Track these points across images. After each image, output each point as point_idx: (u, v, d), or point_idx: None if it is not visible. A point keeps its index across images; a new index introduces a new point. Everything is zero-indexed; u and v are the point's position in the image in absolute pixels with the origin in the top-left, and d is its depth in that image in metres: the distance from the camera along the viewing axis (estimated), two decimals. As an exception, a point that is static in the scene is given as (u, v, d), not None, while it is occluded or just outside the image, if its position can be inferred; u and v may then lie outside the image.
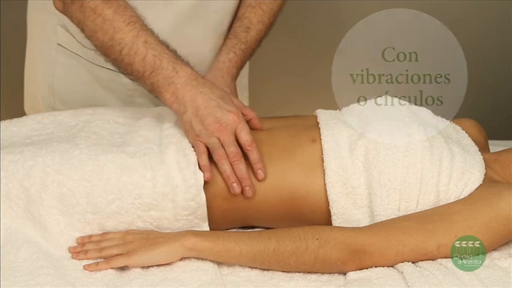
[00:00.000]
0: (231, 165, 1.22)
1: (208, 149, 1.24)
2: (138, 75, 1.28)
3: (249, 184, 1.22)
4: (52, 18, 1.53)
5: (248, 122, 1.30)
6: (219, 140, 1.23)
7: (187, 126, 1.25)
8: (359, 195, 1.21)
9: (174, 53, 1.29)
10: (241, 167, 1.22)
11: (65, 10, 1.33)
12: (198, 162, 1.23)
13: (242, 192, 1.22)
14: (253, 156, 1.23)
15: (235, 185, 1.22)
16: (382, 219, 1.19)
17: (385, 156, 1.21)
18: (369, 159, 1.21)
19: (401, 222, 1.16)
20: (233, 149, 1.23)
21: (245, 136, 1.24)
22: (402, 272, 1.10)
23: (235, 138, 1.24)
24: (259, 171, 1.23)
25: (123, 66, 1.29)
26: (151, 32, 1.29)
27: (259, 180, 1.23)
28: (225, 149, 1.23)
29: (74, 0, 1.29)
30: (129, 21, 1.28)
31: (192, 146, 1.25)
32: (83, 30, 1.31)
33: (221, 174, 1.23)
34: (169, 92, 1.26)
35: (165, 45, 1.29)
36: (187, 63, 1.29)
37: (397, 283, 1.08)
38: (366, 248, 1.12)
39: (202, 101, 1.24)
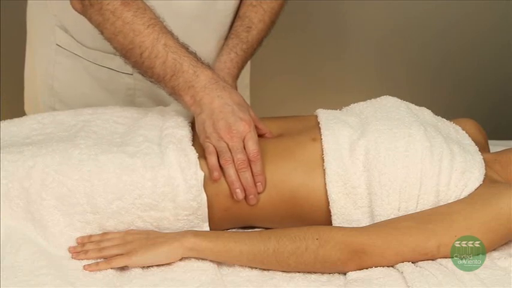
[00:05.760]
0: (237, 171, 1.23)
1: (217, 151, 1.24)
2: (158, 79, 1.29)
3: (254, 193, 1.23)
4: (51, 19, 1.53)
5: (261, 136, 1.31)
6: (228, 145, 1.23)
7: (201, 127, 1.26)
8: (359, 195, 1.21)
9: (194, 55, 1.30)
10: (247, 175, 1.22)
11: (83, 12, 1.33)
12: (207, 162, 1.23)
13: (245, 198, 1.23)
14: (256, 168, 1.23)
15: (238, 191, 1.22)
16: (382, 219, 1.19)
17: (385, 156, 1.21)
18: (369, 159, 1.21)
19: (402, 222, 1.16)
20: (240, 156, 1.23)
21: (252, 146, 1.24)
22: (402, 272, 1.10)
23: (243, 146, 1.24)
24: (259, 184, 1.23)
25: (143, 70, 1.30)
26: (171, 35, 1.29)
27: (258, 193, 1.23)
28: (232, 155, 1.23)
29: (93, 3, 1.29)
30: (148, 24, 1.28)
31: (193, 146, 1.25)
32: (102, 33, 1.32)
33: (226, 178, 1.23)
34: (188, 95, 1.27)
35: (185, 48, 1.30)
36: (208, 66, 1.30)
37: (397, 283, 1.08)
38: (366, 248, 1.12)
39: (218, 105, 1.25)
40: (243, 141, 1.24)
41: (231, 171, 1.23)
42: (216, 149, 1.24)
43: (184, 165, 1.20)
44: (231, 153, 1.23)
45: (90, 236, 1.19)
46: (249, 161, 1.23)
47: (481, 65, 2.32)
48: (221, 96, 1.26)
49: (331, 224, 1.22)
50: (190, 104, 1.27)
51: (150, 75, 1.30)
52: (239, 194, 1.22)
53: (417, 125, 1.25)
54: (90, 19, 1.32)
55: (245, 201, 1.23)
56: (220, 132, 1.24)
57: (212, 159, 1.23)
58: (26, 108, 1.72)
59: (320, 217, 1.23)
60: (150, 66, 1.28)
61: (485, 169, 1.24)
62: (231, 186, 1.23)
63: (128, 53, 1.30)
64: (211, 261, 1.14)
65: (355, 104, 1.37)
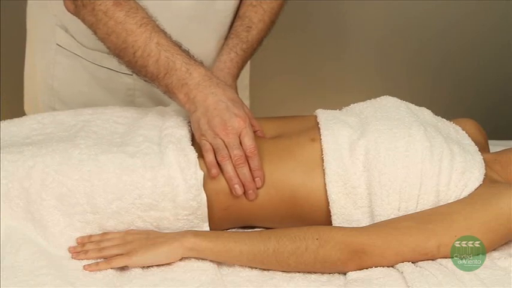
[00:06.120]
0: (235, 167, 1.23)
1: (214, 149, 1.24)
2: (152, 77, 1.29)
3: (253, 188, 1.23)
4: (51, 19, 1.53)
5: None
6: (224, 141, 1.23)
7: (196, 125, 1.26)
8: (359, 195, 1.21)
9: (186, 53, 1.30)
10: (245, 170, 1.22)
11: (76, 13, 1.33)
12: (204, 159, 1.23)
13: (244, 194, 1.23)
14: (254, 163, 1.23)
15: (237, 186, 1.22)
16: (382, 219, 1.19)
17: (385, 156, 1.21)
18: (369, 159, 1.21)
19: (402, 222, 1.16)
20: (237, 152, 1.23)
21: (248, 142, 1.24)
22: (402, 272, 1.10)
23: (239, 142, 1.24)
24: (258, 179, 1.23)
25: (137, 69, 1.30)
26: (163, 33, 1.29)
27: (256, 188, 1.23)
28: (229, 151, 1.23)
29: (85, 4, 1.30)
30: (141, 23, 1.28)
31: (192, 145, 1.25)
32: (95, 33, 1.32)
33: (224, 175, 1.23)
34: (182, 93, 1.27)
35: (178, 46, 1.30)
36: (200, 63, 1.30)
37: (397, 283, 1.08)
38: (366, 248, 1.12)
39: (212, 102, 1.25)
40: (239, 137, 1.24)
41: (228, 168, 1.23)
42: (212, 146, 1.24)
43: (184, 165, 1.20)
44: (227, 149, 1.23)
45: (90, 236, 1.19)
46: (246, 157, 1.23)
47: (481, 65, 2.32)
48: (215, 93, 1.26)
49: (331, 224, 1.22)
50: (184, 101, 1.27)
51: (143, 74, 1.30)
52: (238, 189, 1.22)
53: (417, 125, 1.25)
54: (83, 20, 1.33)
55: (245, 198, 1.23)
56: (216, 129, 1.24)
57: (209, 157, 1.23)
58: (26, 108, 1.72)
59: (320, 217, 1.23)
60: (143, 65, 1.28)
61: (485, 169, 1.24)
62: (229, 182, 1.23)
63: (121, 53, 1.30)
64: (211, 261, 1.14)
65: (355, 104, 1.37)
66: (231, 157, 1.23)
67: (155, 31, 1.28)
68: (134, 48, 1.28)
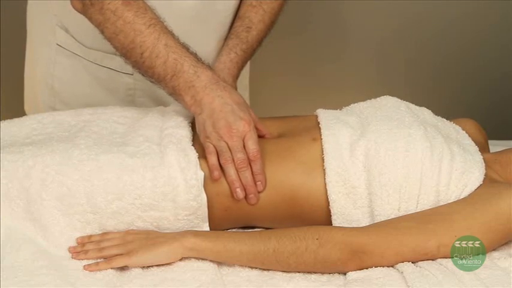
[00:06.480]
0: (237, 171, 1.23)
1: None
2: (159, 79, 1.29)
3: (254, 192, 1.23)
4: (51, 19, 1.53)
5: (261, 137, 1.31)
6: (227, 144, 1.23)
7: (201, 127, 1.26)
8: (359, 195, 1.21)
9: (194, 55, 1.30)
10: (247, 174, 1.23)
11: (84, 11, 1.33)
12: (207, 161, 1.23)
13: (245, 198, 1.23)
14: (256, 167, 1.23)
15: (238, 190, 1.22)
16: (382, 219, 1.19)
17: (385, 156, 1.21)
18: (369, 159, 1.21)
19: (402, 222, 1.16)
20: (240, 155, 1.23)
21: (252, 145, 1.24)
22: (402, 272, 1.10)
23: (243, 145, 1.24)
24: (259, 183, 1.23)
25: (144, 69, 1.30)
26: (171, 35, 1.30)
27: (258, 192, 1.23)
28: (232, 154, 1.23)
29: (93, 3, 1.30)
30: (149, 24, 1.28)
31: (193, 145, 1.25)
32: (102, 32, 1.32)
33: (226, 178, 1.23)
34: (189, 95, 1.27)
35: (186, 48, 1.30)
36: (208, 66, 1.30)
37: (397, 283, 1.08)
38: (366, 248, 1.12)
39: (218, 105, 1.25)
40: (243, 141, 1.24)
41: (231, 171, 1.23)
42: (216, 148, 1.24)
43: (184, 165, 1.20)
44: (231, 152, 1.24)
45: (90, 236, 1.19)
46: (249, 160, 1.23)
47: (481, 65, 2.32)
48: (221, 96, 1.26)
49: (331, 224, 1.22)
50: (191, 104, 1.27)
51: (150, 75, 1.30)
52: (239, 193, 1.22)
53: (417, 125, 1.25)
54: (90, 19, 1.33)
55: (245, 201, 1.24)
56: (220, 131, 1.24)
57: (212, 159, 1.23)
58: (26, 108, 1.72)
59: (320, 217, 1.23)
60: (150, 66, 1.28)
61: (485, 169, 1.24)
62: (231, 185, 1.23)
63: (129, 53, 1.30)
64: (211, 261, 1.14)
65: (355, 104, 1.37)
66: (234, 160, 1.23)
67: (164, 32, 1.28)
68: (142, 48, 1.28)
